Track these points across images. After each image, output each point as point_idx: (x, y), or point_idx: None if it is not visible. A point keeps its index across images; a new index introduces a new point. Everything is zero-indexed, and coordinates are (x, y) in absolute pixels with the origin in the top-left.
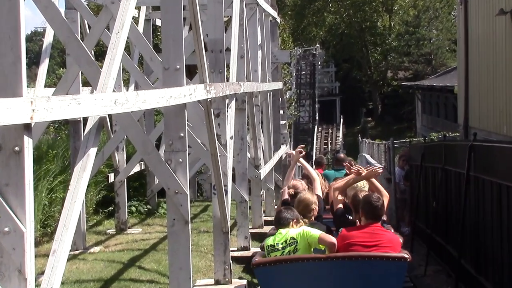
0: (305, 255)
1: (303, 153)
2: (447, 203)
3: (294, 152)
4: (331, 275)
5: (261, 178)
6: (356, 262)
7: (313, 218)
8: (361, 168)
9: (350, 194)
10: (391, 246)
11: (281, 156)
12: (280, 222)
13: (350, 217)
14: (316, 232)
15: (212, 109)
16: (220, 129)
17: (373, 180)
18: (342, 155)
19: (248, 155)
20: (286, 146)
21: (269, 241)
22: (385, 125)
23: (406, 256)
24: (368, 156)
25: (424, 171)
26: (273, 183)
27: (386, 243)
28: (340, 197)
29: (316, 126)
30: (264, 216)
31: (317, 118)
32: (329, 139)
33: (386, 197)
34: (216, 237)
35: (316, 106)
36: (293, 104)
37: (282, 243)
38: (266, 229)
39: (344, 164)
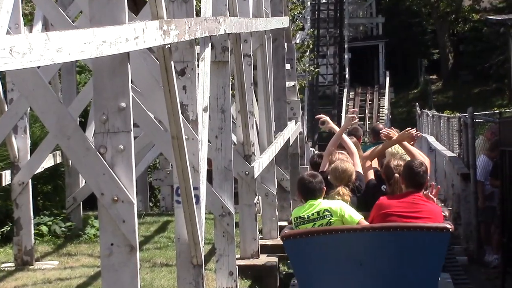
0: (338, 226)
1: (356, 120)
2: None
3: (349, 116)
4: (367, 247)
5: (255, 176)
6: (394, 234)
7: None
8: (392, 131)
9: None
10: (431, 218)
11: (288, 140)
12: (308, 192)
13: (384, 188)
14: (356, 217)
15: (173, 63)
16: (187, 95)
17: (407, 144)
18: (380, 125)
19: (234, 138)
20: (296, 123)
21: (298, 212)
22: (460, 87)
23: (448, 226)
24: (430, 138)
25: None
26: (274, 184)
27: (427, 214)
28: (370, 166)
29: (345, 90)
30: (261, 238)
31: (347, 76)
32: (366, 110)
33: (427, 162)
34: (182, 273)
35: (346, 57)
36: (308, 54)
37: (313, 214)
38: (265, 259)
39: (381, 134)
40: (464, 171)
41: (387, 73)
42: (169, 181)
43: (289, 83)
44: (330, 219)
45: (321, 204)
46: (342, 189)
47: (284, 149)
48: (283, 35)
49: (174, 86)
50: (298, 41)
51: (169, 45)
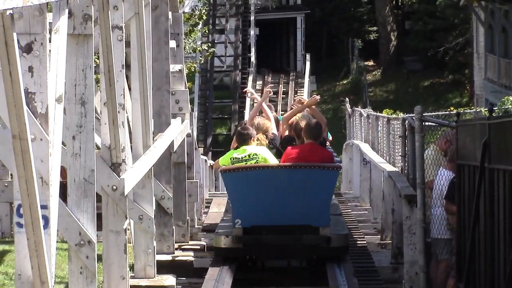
0: (260, 164)
1: (271, 93)
2: None
3: (266, 90)
4: (280, 180)
5: (126, 192)
6: (297, 171)
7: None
8: (302, 98)
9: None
10: (325, 160)
11: (171, 143)
12: (243, 138)
13: (294, 143)
14: (273, 161)
15: (15, 35)
16: (34, 80)
17: (314, 107)
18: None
19: (98, 140)
20: (183, 121)
21: (233, 154)
22: (405, 79)
23: (338, 166)
24: (364, 146)
25: (491, 178)
26: (152, 204)
27: (320, 157)
28: (287, 127)
29: (250, 78)
30: (132, 276)
31: (252, 59)
32: (278, 106)
33: (323, 123)
34: None
35: (252, 33)
36: (201, 27)
37: (245, 156)
38: None
39: (295, 100)
40: (409, 191)
41: (307, 57)
42: (7, 196)
43: (174, 67)
44: (257, 160)
45: (250, 149)
46: (260, 136)
47: (166, 156)
48: (167, 1)
49: (16, 67)
50: (187, 10)
51: (11, 11)
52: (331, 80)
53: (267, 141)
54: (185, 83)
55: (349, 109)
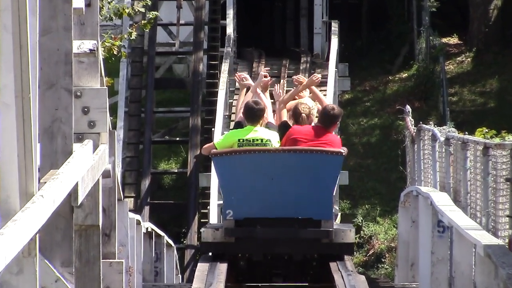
0: (258, 147)
1: (269, 79)
2: None
3: (262, 74)
4: (277, 166)
5: None
6: (299, 155)
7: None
8: (301, 76)
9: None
10: (331, 145)
11: (75, 188)
12: (255, 114)
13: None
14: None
15: None
16: None
17: (314, 89)
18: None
19: None
20: (97, 146)
21: (239, 135)
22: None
23: (342, 151)
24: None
25: None
26: None
27: (327, 141)
28: (285, 114)
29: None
30: None
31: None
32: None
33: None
34: None
35: None
36: None
37: (257, 140)
38: None
39: (294, 80)
40: None
41: (334, 27)
42: None
43: (81, 45)
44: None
45: (263, 133)
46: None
47: (64, 214)
48: None
49: None
50: None
51: None
52: (377, 72)
53: None
54: (101, 75)
55: (412, 128)
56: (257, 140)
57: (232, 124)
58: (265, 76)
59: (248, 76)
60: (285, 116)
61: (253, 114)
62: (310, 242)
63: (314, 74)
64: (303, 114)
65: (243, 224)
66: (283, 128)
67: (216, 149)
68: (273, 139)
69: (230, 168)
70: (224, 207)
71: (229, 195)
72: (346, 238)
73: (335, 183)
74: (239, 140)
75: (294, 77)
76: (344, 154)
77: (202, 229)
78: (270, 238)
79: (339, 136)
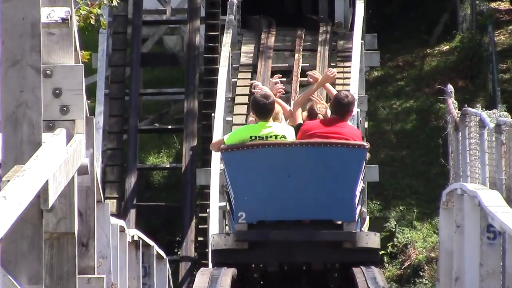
0: (272, 141)
1: (281, 86)
2: None
3: (274, 81)
4: (295, 161)
5: None
6: (318, 149)
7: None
8: (316, 72)
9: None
10: (351, 138)
11: (45, 188)
12: (266, 109)
13: None
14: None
15: None
16: None
17: (329, 87)
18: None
19: None
20: (72, 136)
21: (251, 131)
22: None
23: (365, 144)
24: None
25: None
26: None
27: (347, 135)
28: (299, 112)
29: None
30: None
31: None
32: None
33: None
34: None
35: None
36: None
37: (271, 137)
38: None
39: (308, 77)
40: None
41: None
42: None
43: (51, 13)
44: None
45: (277, 128)
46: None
47: (31, 219)
48: None
49: None
50: None
51: None
52: (412, 44)
53: None
54: (75, 49)
55: (455, 112)
56: (271, 136)
57: (235, 109)
58: (277, 83)
59: (259, 84)
60: (300, 118)
61: (264, 108)
62: (331, 248)
63: (329, 69)
64: (320, 115)
65: (256, 228)
66: (299, 131)
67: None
68: (289, 135)
69: (242, 165)
70: (235, 209)
71: (241, 196)
72: (370, 242)
73: (358, 180)
74: (251, 137)
75: (309, 72)
76: (367, 147)
77: (211, 235)
78: (286, 243)
79: (366, 122)
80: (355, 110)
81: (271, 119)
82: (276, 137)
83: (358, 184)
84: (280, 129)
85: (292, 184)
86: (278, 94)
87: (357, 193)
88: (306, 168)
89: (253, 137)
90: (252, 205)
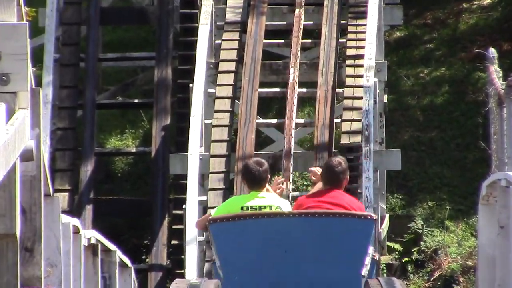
0: (267, 211)
1: (284, 186)
2: None
3: (278, 182)
4: (293, 233)
5: None
6: (319, 220)
7: None
8: (317, 169)
9: None
10: (353, 209)
11: None
12: (260, 178)
13: None
14: None
15: None
16: None
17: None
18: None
19: None
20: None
21: (243, 201)
22: None
23: (373, 215)
24: None
25: None
26: None
27: (348, 205)
28: None
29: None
30: None
31: None
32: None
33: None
34: None
35: None
36: None
37: (265, 207)
38: None
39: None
40: None
41: None
42: None
43: None
44: None
45: (271, 199)
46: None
47: None
48: None
49: None
50: None
51: None
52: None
53: None
54: (18, 3)
55: (498, 83)
56: (265, 207)
57: (219, 78)
58: (280, 184)
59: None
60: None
61: (257, 177)
62: None
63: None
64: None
65: None
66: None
67: None
68: (284, 207)
69: (233, 238)
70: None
71: (231, 274)
72: None
73: (365, 257)
74: (242, 208)
75: (310, 169)
76: (375, 218)
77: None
78: None
79: (385, 96)
80: (372, 79)
81: (264, 189)
82: (270, 208)
83: (365, 262)
84: (275, 199)
85: (289, 260)
86: (277, 191)
87: (364, 274)
88: (306, 242)
89: (244, 208)
90: (243, 285)
